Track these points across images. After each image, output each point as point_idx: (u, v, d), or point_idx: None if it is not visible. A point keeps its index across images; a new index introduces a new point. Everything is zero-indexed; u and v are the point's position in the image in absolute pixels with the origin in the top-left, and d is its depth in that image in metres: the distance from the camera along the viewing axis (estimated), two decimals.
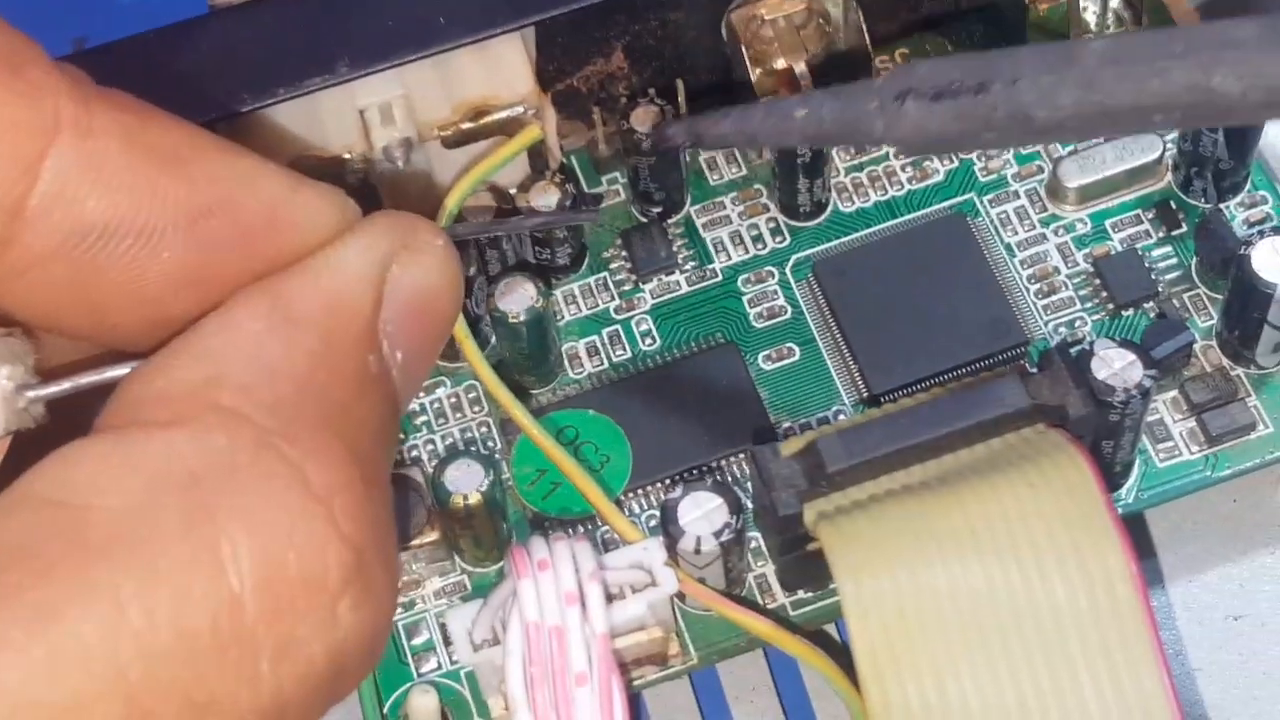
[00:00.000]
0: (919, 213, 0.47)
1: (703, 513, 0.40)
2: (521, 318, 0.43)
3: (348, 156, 0.42)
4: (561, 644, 0.36)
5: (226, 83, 0.41)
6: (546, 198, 0.45)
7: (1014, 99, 0.31)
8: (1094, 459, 0.38)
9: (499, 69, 0.43)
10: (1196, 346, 0.44)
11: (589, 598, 0.37)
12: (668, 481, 0.44)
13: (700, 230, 0.47)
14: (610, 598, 0.39)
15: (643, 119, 0.45)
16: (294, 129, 0.42)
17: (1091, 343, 0.41)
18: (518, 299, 0.43)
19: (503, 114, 0.43)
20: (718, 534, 0.40)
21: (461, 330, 0.42)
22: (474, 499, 0.41)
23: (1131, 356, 0.40)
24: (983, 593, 0.36)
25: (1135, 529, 0.44)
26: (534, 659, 0.37)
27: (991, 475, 0.38)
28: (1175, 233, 0.46)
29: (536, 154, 0.45)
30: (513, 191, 0.45)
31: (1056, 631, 0.36)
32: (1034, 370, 0.40)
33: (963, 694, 0.36)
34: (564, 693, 0.36)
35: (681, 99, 0.46)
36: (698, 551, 0.40)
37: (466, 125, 0.43)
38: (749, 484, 0.43)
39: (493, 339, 0.45)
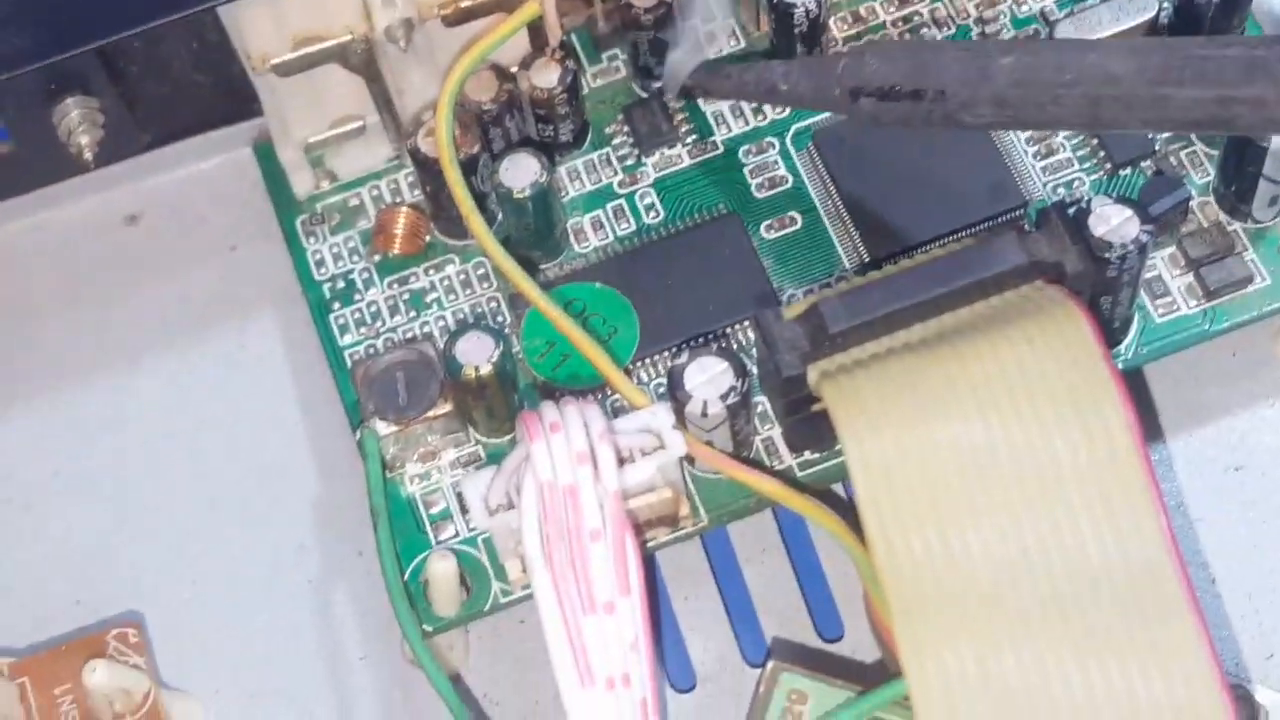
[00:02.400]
0: None
1: (708, 377, 0.41)
2: (526, 193, 0.44)
3: (350, 38, 0.43)
4: (575, 502, 0.37)
5: None
6: (548, 74, 0.45)
7: (943, 107, 0.39)
8: (1092, 314, 0.39)
9: None
10: (1193, 202, 0.45)
11: (600, 457, 0.38)
12: (674, 350, 0.45)
13: (700, 103, 0.48)
14: (620, 461, 0.40)
15: None
16: (295, 13, 0.42)
17: (1089, 200, 0.41)
18: (522, 174, 0.44)
19: None
20: (723, 397, 0.41)
21: (468, 206, 0.43)
22: (485, 370, 0.42)
23: (1129, 212, 0.41)
24: (983, 446, 0.37)
25: (1135, 384, 0.45)
26: (549, 518, 0.37)
27: (991, 332, 0.39)
28: None
29: (536, 31, 0.45)
30: (514, 69, 0.45)
31: (1056, 482, 0.37)
32: (1031, 229, 0.41)
33: (965, 544, 0.37)
34: (579, 549, 0.37)
35: None
36: (704, 415, 0.41)
37: (465, 3, 0.43)
38: (754, 350, 0.44)
39: (499, 216, 0.45)
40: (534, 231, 0.45)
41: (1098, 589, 0.36)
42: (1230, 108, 0.36)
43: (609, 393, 0.44)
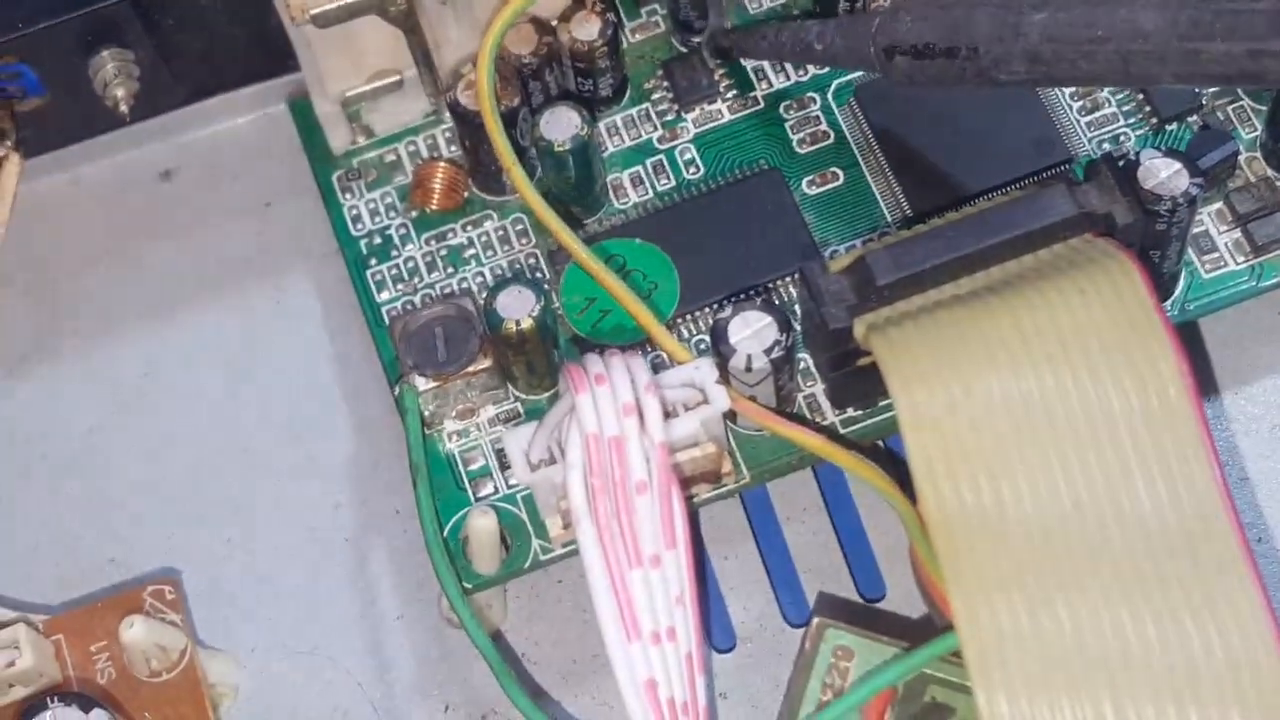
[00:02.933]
0: None
1: (752, 331, 0.41)
2: (567, 146, 0.43)
3: None
4: (621, 454, 0.37)
5: None
6: (588, 27, 0.45)
7: (976, 65, 0.39)
8: (1144, 265, 0.38)
9: None
10: (1241, 158, 0.44)
11: (646, 409, 0.38)
12: (716, 306, 0.44)
13: (741, 61, 0.47)
14: (665, 416, 0.39)
15: None
16: None
17: (1137, 153, 0.41)
18: (563, 127, 0.43)
19: None
20: (768, 351, 0.41)
21: (509, 158, 0.43)
22: (526, 324, 0.41)
23: (1177, 165, 0.41)
24: (1036, 398, 0.37)
25: (1188, 337, 0.44)
26: (594, 470, 0.37)
27: (1041, 284, 0.38)
28: None
29: None
30: (554, 23, 0.45)
31: (1109, 435, 0.37)
32: (1081, 181, 0.41)
33: (1018, 497, 0.36)
34: (625, 501, 0.37)
35: None
36: (748, 369, 0.41)
37: None
38: (797, 306, 0.44)
39: (539, 170, 0.45)
40: (574, 186, 0.44)
41: (1151, 541, 0.36)
42: (1261, 61, 0.35)
43: (650, 349, 0.44)
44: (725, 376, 0.41)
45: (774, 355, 0.41)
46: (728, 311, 0.41)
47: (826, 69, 0.47)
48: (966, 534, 0.36)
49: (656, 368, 0.43)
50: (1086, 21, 0.37)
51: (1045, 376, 0.37)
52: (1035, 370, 0.37)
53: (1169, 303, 0.43)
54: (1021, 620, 0.35)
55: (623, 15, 0.48)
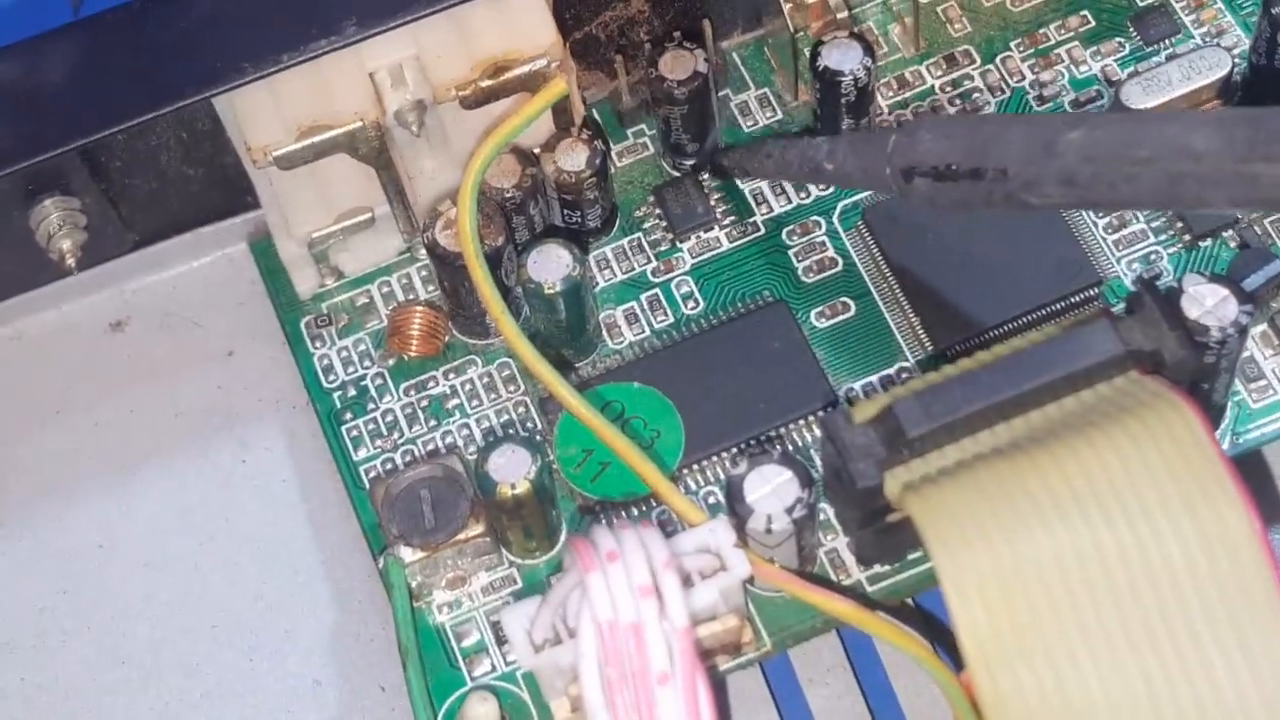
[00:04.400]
0: None
1: (771, 488, 0.37)
2: (558, 288, 0.40)
3: (359, 125, 0.39)
4: (640, 642, 0.33)
5: (227, 50, 0.37)
6: (575, 156, 0.41)
7: (1005, 187, 0.35)
8: (1198, 405, 0.35)
9: (517, 20, 0.39)
10: None
11: (665, 589, 0.34)
12: (724, 454, 0.41)
13: (737, 181, 0.44)
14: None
15: (672, 65, 0.42)
16: (300, 98, 0.38)
17: (1179, 280, 0.38)
18: (552, 268, 0.40)
19: (524, 68, 0.40)
20: (789, 510, 0.37)
21: (498, 308, 0.39)
22: (522, 488, 0.38)
23: (1224, 291, 0.37)
24: (1091, 560, 0.33)
25: (1252, 465, 0.41)
26: (611, 660, 0.33)
27: (1088, 430, 0.35)
28: None
29: (560, 110, 0.41)
30: (536, 151, 0.42)
31: (1176, 599, 0.33)
32: (1121, 313, 0.37)
33: (1080, 674, 0.33)
34: (646, 694, 0.33)
35: (709, 41, 0.43)
36: (769, 531, 0.37)
37: (486, 83, 0.39)
38: (814, 452, 0.40)
39: (524, 310, 0.41)
40: (565, 328, 0.41)
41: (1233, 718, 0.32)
42: None
43: (655, 504, 0.40)
44: (743, 538, 0.37)
45: (796, 514, 0.37)
46: (742, 466, 0.37)
47: (831, 189, 0.44)
48: (1027, 717, 0.32)
49: (664, 525, 0.40)
50: (1130, 140, 0.34)
51: (1100, 535, 0.34)
52: (1089, 528, 0.34)
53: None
54: None
55: (609, 138, 0.44)
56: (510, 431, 0.41)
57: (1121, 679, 0.33)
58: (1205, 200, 0.34)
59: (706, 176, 0.44)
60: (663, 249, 0.43)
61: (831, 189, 0.44)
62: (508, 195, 0.41)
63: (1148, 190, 0.34)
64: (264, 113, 0.38)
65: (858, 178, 0.40)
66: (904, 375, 0.41)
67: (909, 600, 0.40)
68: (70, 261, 0.41)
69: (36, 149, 0.37)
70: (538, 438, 0.41)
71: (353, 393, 0.42)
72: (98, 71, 0.38)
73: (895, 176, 0.38)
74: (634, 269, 0.43)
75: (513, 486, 0.38)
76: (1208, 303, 0.37)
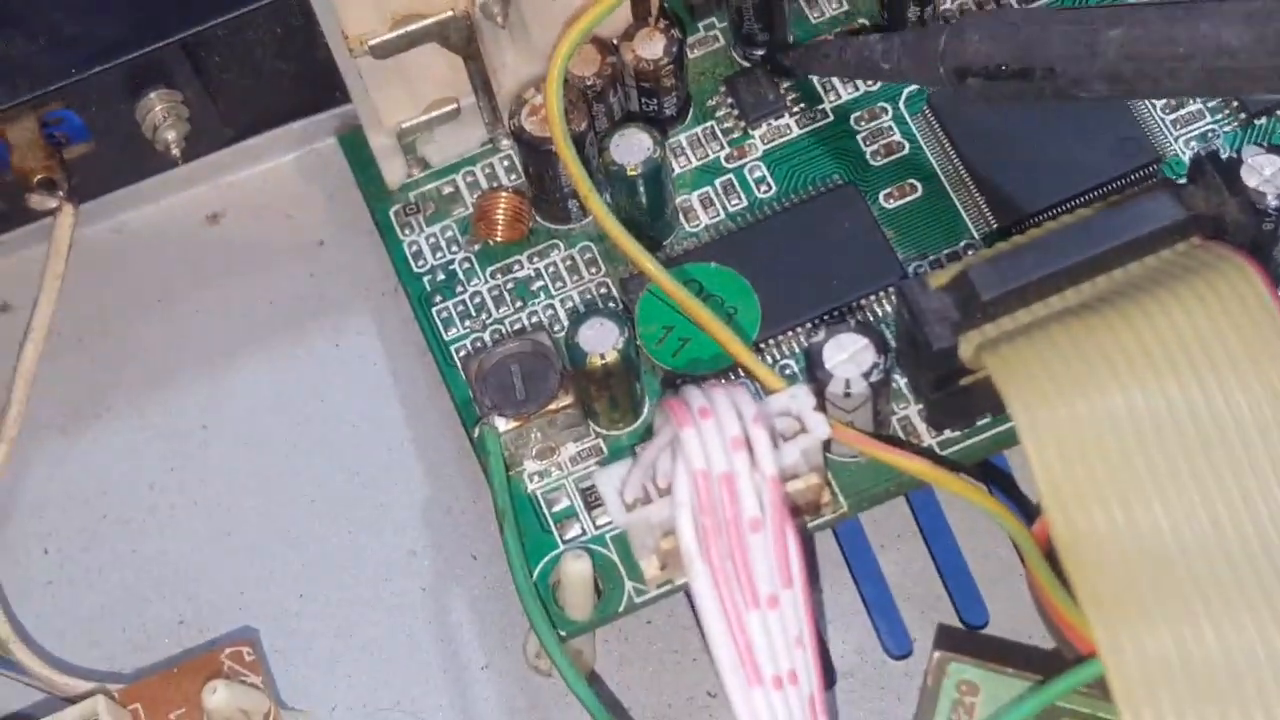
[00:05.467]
0: None
1: (849, 354, 0.39)
2: (639, 170, 0.42)
3: (450, 14, 0.41)
4: (732, 491, 0.35)
5: None
6: (653, 45, 0.43)
7: (1054, 84, 0.37)
8: (1261, 266, 0.37)
9: None
10: None
11: (756, 442, 0.36)
12: (799, 329, 0.43)
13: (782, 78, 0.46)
14: None
15: None
16: None
17: (1238, 151, 0.39)
18: (634, 150, 0.42)
19: None
20: (866, 375, 0.39)
21: (586, 185, 0.41)
22: (611, 357, 0.40)
23: None
24: (1162, 411, 0.35)
25: None
26: (705, 508, 0.35)
27: (1155, 291, 0.37)
28: None
29: (638, 1, 0.43)
30: (616, 41, 0.43)
31: (1243, 446, 0.35)
32: (1183, 183, 0.39)
33: (1153, 517, 0.35)
34: (738, 540, 0.35)
35: None
36: (847, 394, 0.39)
37: None
38: (887, 324, 0.42)
39: (607, 195, 0.43)
40: (646, 210, 0.43)
41: None
42: None
43: (734, 375, 0.42)
44: (822, 403, 0.39)
45: (873, 379, 0.39)
46: (820, 335, 0.39)
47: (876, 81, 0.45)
48: (1102, 558, 0.34)
49: None
50: (1167, 38, 0.36)
51: (1171, 388, 0.35)
52: (1160, 382, 0.35)
53: None
54: (1167, 645, 0.34)
55: (685, 29, 0.46)
56: (595, 308, 0.43)
57: (1189, 518, 0.35)
58: (1245, 90, 0.36)
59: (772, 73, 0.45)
60: (735, 136, 0.45)
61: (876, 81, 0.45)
62: (589, 83, 0.43)
63: (1189, 84, 0.36)
64: (361, 3, 0.40)
65: (913, 77, 0.42)
66: (970, 251, 0.43)
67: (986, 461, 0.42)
68: (175, 151, 0.43)
69: (145, 40, 0.39)
70: (621, 313, 0.43)
71: (441, 277, 0.44)
72: None
73: (949, 76, 0.39)
74: (708, 155, 0.45)
75: (602, 356, 0.40)
76: (1266, 172, 0.39)
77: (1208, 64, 0.35)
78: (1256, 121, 0.44)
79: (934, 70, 0.40)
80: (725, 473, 0.35)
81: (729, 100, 0.45)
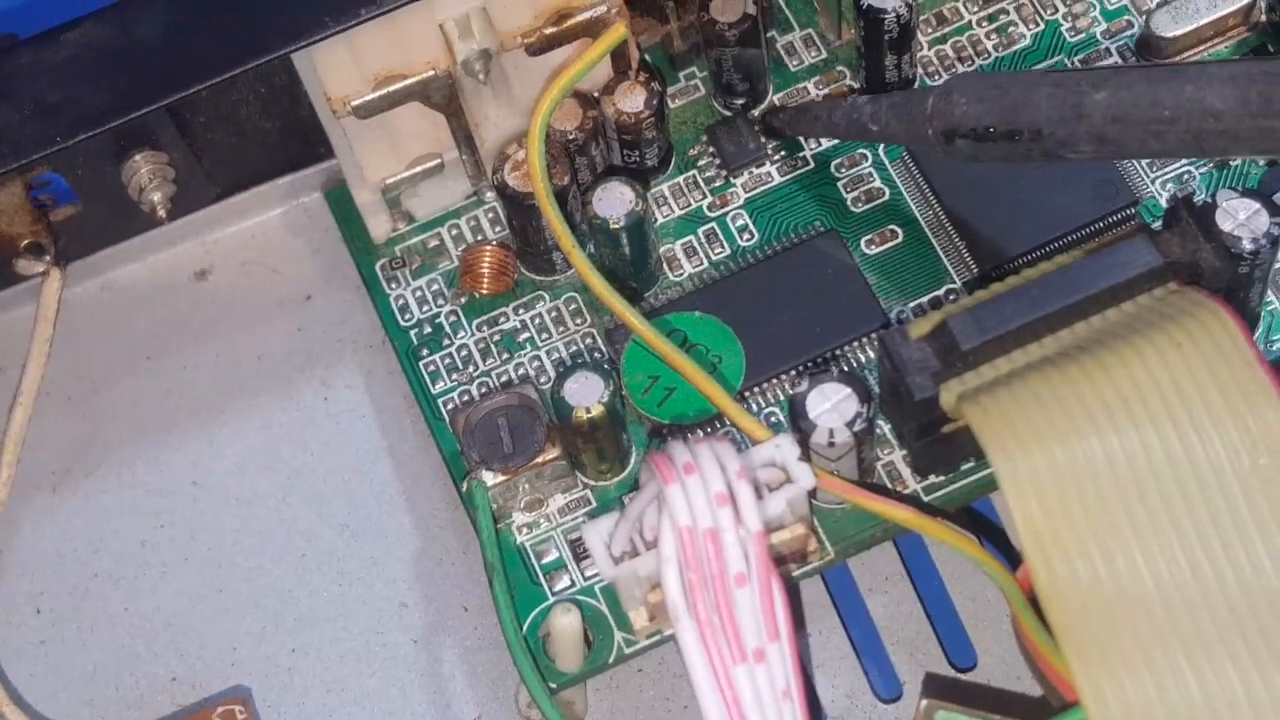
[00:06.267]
0: None
1: (832, 404, 0.40)
2: (622, 223, 0.42)
3: (432, 74, 0.41)
4: (717, 546, 0.36)
5: (307, 7, 0.39)
6: (634, 98, 0.44)
7: (1042, 146, 0.38)
8: (1238, 313, 0.37)
9: None
10: None
11: (740, 497, 0.36)
12: (783, 377, 0.43)
13: (770, 139, 0.46)
14: None
15: (723, 9, 0.44)
16: (375, 49, 0.41)
17: (1213, 195, 0.40)
18: (617, 204, 0.42)
19: (586, 14, 0.42)
20: (850, 424, 0.39)
21: (569, 240, 0.41)
22: (596, 411, 0.40)
23: (1256, 205, 0.39)
24: (1141, 460, 0.36)
25: None
26: (690, 564, 0.36)
27: (1133, 339, 0.37)
28: None
29: (618, 55, 0.43)
30: (596, 95, 0.44)
31: (1222, 495, 0.35)
32: (1159, 228, 0.39)
33: (1133, 564, 0.35)
34: (725, 595, 0.35)
35: None
36: (831, 444, 0.39)
37: (549, 30, 0.42)
38: (870, 370, 0.42)
39: (590, 248, 0.44)
40: (629, 262, 0.43)
41: (1275, 601, 0.34)
42: None
43: (719, 425, 0.42)
44: (807, 452, 0.39)
45: (856, 428, 0.39)
46: (804, 385, 0.40)
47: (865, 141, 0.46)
48: (1083, 606, 0.35)
49: None
50: (1151, 101, 0.36)
51: (1149, 436, 0.36)
52: (1138, 430, 0.36)
53: None
54: (1149, 692, 0.34)
55: (665, 80, 0.46)
56: (580, 361, 0.43)
57: (1169, 564, 0.35)
58: (1230, 151, 0.36)
59: (756, 114, 0.46)
60: (717, 185, 0.46)
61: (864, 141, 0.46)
62: (571, 137, 0.43)
63: (1175, 145, 0.37)
64: (342, 65, 0.40)
65: (902, 138, 0.42)
66: (951, 297, 0.44)
67: (967, 508, 0.42)
68: (161, 212, 0.43)
69: (130, 106, 0.40)
70: (606, 366, 0.43)
71: (428, 330, 0.45)
72: (185, 32, 0.40)
73: (937, 138, 0.40)
74: (690, 205, 0.45)
75: (587, 410, 0.40)
76: (1240, 216, 0.39)
77: (1193, 126, 0.36)
78: (1232, 163, 0.44)
79: (922, 132, 0.40)
80: (710, 528, 0.36)
81: (710, 149, 0.46)
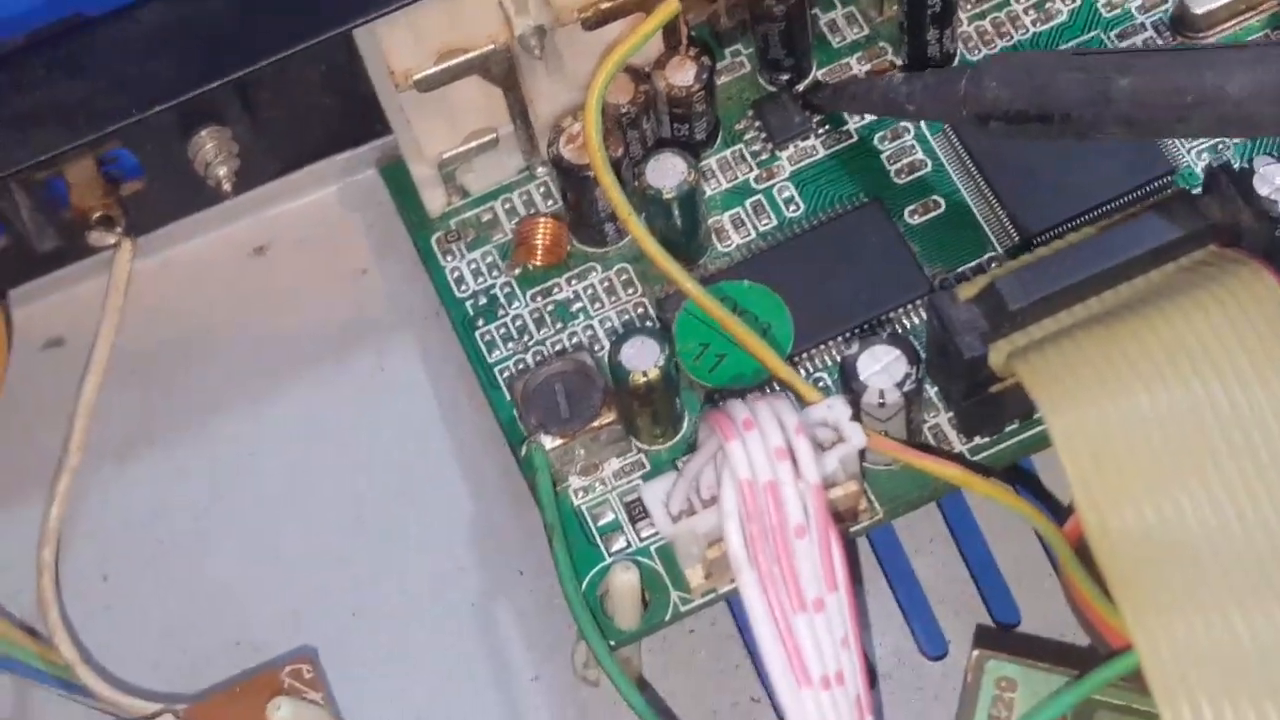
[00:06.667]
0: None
1: (882, 366, 0.41)
2: (675, 193, 0.43)
3: (492, 48, 0.42)
4: (777, 499, 0.37)
5: None
6: (684, 73, 0.45)
7: (1073, 128, 0.39)
8: (1276, 270, 0.38)
9: None
10: None
11: (798, 451, 0.37)
12: (830, 343, 0.44)
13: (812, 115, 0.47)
14: None
15: None
16: (436, 25, 0.42)
17: (1250, 161, 0.41)
18: (669, 174, 0.43)
19: None
20: (900, 385, 0.40)
21: (626, 209, 0.42)
22: (653, 374, 0.41)
23: None
24: (1187, 412, 0.37)
25: None
26: (751, 516, 0.37)
27: (1177, 298, 0.38)
28: None
29: (669, 30, 0.45)
30: (648, 70, 0.45)
31: (1264, 441, 0.36)
32: (1199, 193, 0.41)
33: (1181, 512, 0.36)
34: (784, 546, 0.37)
35: None
36: (882, 404, 0.41)
37: (605, 5, 0.43)
38: (916, 336, 0.44)
39: (642, 218, 0.45)
40: (681, 232, 0.44)
41: None
42: None
43: (770, 389, 0.43)
44: (858, 413, 0.41)
45: (906, 388, 0.40)
46: (854, 348, 0.41)
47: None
48: (1133, 554, 0.36)
49: None
50: (1174, 88, 0.37)
51: (1195, 389, 0.37)
52: (1184, 384, 0.37)
53: None
54: (1199, 636, 0.35)
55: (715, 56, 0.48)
56: (635, 327, 0.45)
57: (1215, 512, 0.36)
58: (1253, 133, 0.37)
59: (801, 89, 0.47)
60: (764, 158, 0.47)
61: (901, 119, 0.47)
62: (624, 110, 0.44)
63: (1200, 128, 0.38)
64: (404, 40, 0.42)
65: (938, 118, 0.44)
66: (993, 264, 0.45)
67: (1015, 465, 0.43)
68: (227, 186, 0.44)
69: (199, 80, 0.41)
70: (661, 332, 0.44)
71: (484, 301, 0.46)
72: (251, 8, 0.41)
73: (971, 120, 0.41)
74: (738, 177, 0.47)
75: (644, 374, 0.41)
76: (1278, 181, 0.40)
77: (1215, 112, 0.37)
78: None
79: (957, 113, 0.42)
80: (770, 481, 0.37)
81: (756, 124, 0.47)
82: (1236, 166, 0.41)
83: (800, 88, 0.47)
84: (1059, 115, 0.39)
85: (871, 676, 0.43)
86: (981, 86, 0.40)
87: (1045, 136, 0.40)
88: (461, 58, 0.42)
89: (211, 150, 0.44)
